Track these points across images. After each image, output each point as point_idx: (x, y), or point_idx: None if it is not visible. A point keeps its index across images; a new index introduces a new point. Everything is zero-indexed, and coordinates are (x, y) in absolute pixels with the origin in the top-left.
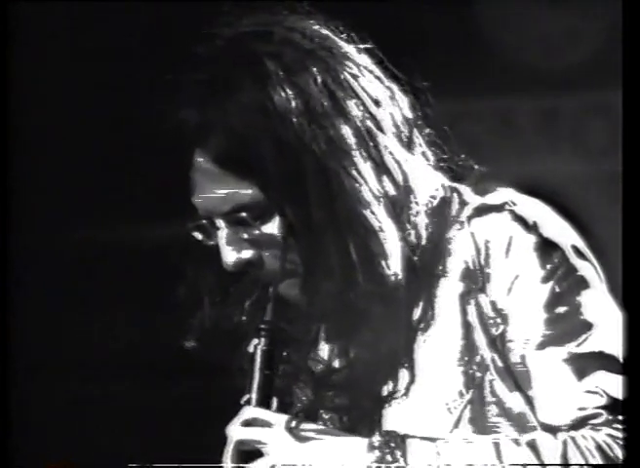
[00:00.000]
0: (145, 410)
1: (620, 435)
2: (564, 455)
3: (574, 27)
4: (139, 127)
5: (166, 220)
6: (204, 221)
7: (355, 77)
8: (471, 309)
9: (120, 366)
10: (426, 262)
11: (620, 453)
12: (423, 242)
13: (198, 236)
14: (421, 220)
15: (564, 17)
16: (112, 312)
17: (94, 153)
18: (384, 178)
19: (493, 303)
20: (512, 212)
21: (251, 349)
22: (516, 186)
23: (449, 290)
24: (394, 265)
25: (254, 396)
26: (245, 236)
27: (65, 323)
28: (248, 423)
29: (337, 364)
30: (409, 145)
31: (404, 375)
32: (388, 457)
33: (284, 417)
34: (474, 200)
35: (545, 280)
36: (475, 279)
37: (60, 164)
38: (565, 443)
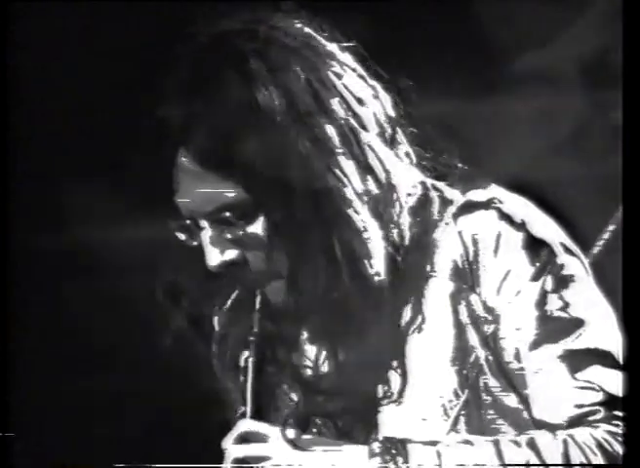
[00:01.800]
0: (146, 409)
1: (618, 431)
2: (565, 454)
3: (574, 27)
4: (130, 123)
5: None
6: (187, 222)
7: (339, 76)
8: (462, 309)
9: (120, 364)
10: (412, 262)
11: (619, 449)
12: (407, 242)
13: (181, 236)
14: (405, 219)
15: (564, 16)
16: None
17: (92, 151)
18: (368, 177)
19: (483, 302)
20: (499, 209)
21: (242, 362)
22: (513, 187)
23: (439, 290)
24: (378, 265)
25: (248, 408)
26: (229, 236)
27: (65, 322)
28: (244, 437)
29: (325, 368)
30: (392, 144)
31: (396, 378)
32: (391, 464)
33: (281, 429)
34: (458, 197)
35: (535, 277)
36: (465, 278)
37: (60, 163)
38: (565, 441)
